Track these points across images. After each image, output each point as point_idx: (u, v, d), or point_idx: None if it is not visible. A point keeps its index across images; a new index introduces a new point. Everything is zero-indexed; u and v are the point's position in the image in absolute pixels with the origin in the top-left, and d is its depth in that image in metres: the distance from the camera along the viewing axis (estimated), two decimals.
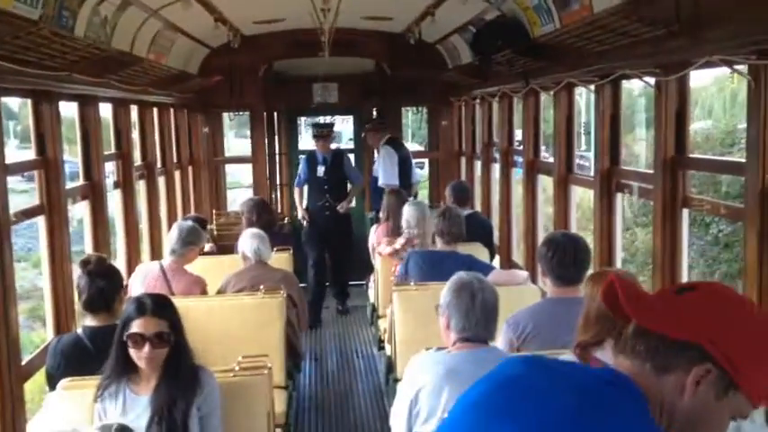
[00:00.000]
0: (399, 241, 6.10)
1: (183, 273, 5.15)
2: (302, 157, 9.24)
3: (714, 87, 15.31)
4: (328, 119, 10.20)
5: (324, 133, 8.58)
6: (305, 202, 8.71)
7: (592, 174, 5.12)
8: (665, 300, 1.45)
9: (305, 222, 8.60)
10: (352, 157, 9.35)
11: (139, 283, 5.07)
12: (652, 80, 4.04)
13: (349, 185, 8.85)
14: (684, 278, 3.99)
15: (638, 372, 1.40)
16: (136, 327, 3.06)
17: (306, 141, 12.49)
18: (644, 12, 3.64)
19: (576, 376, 1.41)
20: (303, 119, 13.48)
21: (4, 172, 3.87)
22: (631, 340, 1.43)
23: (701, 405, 1.37)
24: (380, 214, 7.19)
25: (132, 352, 3.08)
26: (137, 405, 3.12)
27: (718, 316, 1.39)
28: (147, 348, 3.05)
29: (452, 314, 3.09)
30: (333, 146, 8.86)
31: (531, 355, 1.58)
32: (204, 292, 5.18)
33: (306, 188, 8.77)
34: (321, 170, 8.51)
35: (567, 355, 3.03)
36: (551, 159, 6.01)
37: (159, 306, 3.14)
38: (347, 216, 8.74)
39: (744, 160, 3.15)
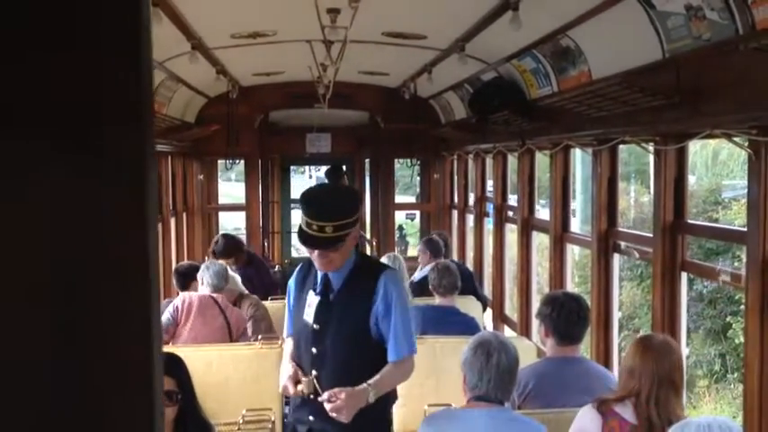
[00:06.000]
0: None
1: (232, 307, 5.45)
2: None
3: (697, 145, 15.70)
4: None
5: (319, 237, 3.24)
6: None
7: (578, 228, 5.24)
8: None
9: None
10: None
11: (193, 314, 5.21)
12: (650, 146, 4.18)
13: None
14: (683, 341, 4.08)
15: None
16: None
17: (298, 190, 12.59)
18: (644, 82, 3.79)
19: None
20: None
21: None
22: None
23: None
24: None
25: None
26: None
27: None
28: None
29: (467, 371, 3.15)
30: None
31: None
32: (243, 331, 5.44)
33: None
34: (311, 306, 3.42)
35: (587, 410, 3.10)
36: (546, 216, 6.14)
37: (169, 364, 3.17)
38: None
39: (745, 229, 3.27)
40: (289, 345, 3.63)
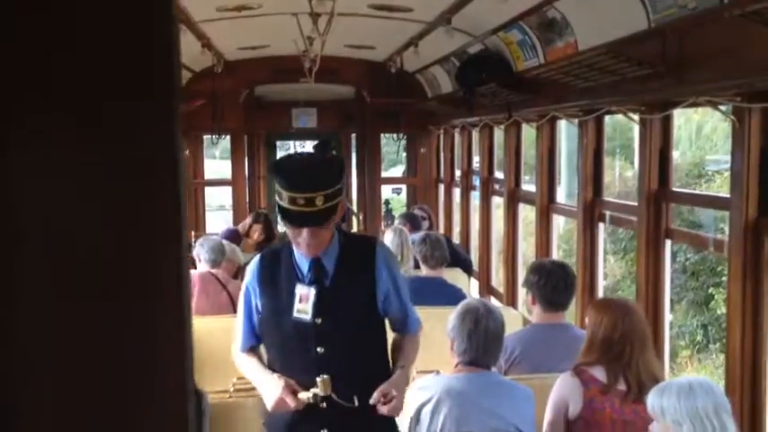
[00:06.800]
0: None
1: (233, 280, 5.54)
2: (251, 266, 3.05)
3: (681, 119, 15.83)
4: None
5: (309, 212, 2.70)
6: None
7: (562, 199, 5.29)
8: None
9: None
10: None
11: (197, 293, 5.28)
12: (636, 116, 4.23)
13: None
14: (667, 308, 4.16)
15: None
16: None
17: None
18: (630, 52, 3.83)
19: None
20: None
21: None
22: None
23: None
24: None
25: None
26: None
27: None
28: None
29: (455, 337, 3.20)
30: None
31: None
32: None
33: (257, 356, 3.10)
34: (305, 300, 2.86)
35: (566, 379, 3.17)
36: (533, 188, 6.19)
37: None
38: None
39: (728, 195, 3.33)
40: (248, 361, 2.98)
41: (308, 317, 2.82)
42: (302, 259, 2.87)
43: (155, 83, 0.61)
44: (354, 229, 9.67)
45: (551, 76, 4.90)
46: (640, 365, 3.05)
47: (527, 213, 7.42)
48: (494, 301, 7.35)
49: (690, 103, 3.44)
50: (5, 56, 0.58)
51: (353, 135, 10.24)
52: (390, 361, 3.00)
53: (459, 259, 6.67)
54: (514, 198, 6.64)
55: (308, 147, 12.09)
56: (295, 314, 2.83)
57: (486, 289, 7.52)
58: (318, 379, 2.72)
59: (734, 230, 3.23)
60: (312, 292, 2.83)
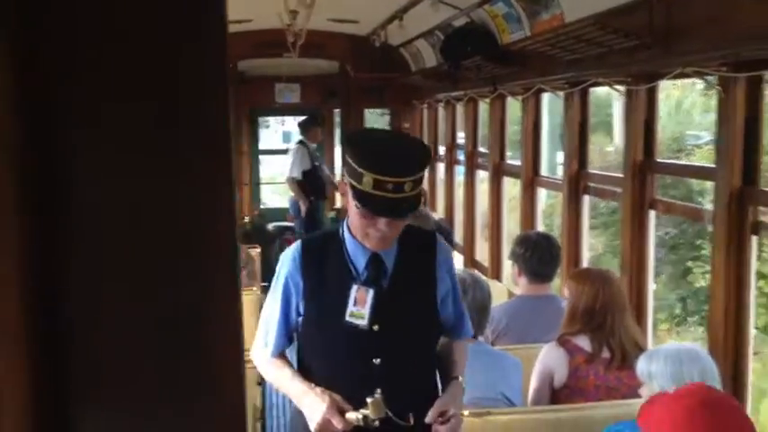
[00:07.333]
0: None
1: None
2: (290, 254, 2.59)
3: (662, 94, 15.95)
4: None
5: (398, 199, 2.27)
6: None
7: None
8: None
9: None
10: None
11: None
12: (622, 88, 4.25)
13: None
14: (650, 278, 4.21)
15: None
16: None
17: (266, 141, 12.44)
18: (617, 23, 3.83)
19: None
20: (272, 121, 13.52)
21: None
22: None
23: None
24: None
25: None
26: None
27: None
28: None
29: None
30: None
31: None
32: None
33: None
34: (361, 303, 2.48)
35: (551, 349, 3.22)
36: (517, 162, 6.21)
37: None
38: None
39: (713, 165, 3.37)
40: (281, 369, 2.58)
41: (363, 322, 2.44)
42: (358, 253, 2.47)
43: (210, 81, 0.68)
44: (338, 205, 9.67)
45: (537, 49, 4.89)
46: (622, 333, 3.11)
47: (510, 188, 7.44)
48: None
49: (677, 73, 3.46)
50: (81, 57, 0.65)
51: (337, 110, 10.22)
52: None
53: (440, 232, 6.73)
54: (499, 172, 6.66)
55: (289, 122, 12.04)
56: (348, 318, 2.45)
57: (471, 263, 7.55)
58: (369, 400, 2.34)
59: (719, 200, 3.27)
60: (370, 293, 2.45)
